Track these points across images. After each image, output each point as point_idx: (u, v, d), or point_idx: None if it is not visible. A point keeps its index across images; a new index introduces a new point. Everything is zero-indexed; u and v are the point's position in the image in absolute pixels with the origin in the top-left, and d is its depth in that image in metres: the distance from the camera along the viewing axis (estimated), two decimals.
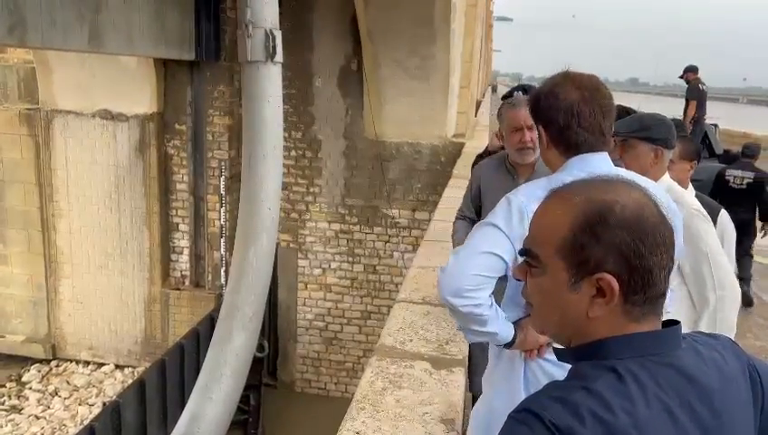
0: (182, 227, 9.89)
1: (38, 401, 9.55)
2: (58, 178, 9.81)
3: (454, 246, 2.86)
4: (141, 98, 9.38)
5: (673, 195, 2.15)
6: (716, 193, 6.63)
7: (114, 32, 6.87)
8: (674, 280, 2.29)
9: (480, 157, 3.99)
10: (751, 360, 1.00)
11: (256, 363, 7.73)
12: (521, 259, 1.03)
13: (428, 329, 2.72)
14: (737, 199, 6.51)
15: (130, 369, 10.14)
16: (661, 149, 2.40)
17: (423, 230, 7.51)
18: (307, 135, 9.75)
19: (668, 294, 0.96)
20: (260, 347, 7.99)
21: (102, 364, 10.26)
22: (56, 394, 9.70)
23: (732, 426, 0.91)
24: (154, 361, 8.45)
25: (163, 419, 7.80)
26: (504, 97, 2.95)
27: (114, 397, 8.11)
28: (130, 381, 8.80)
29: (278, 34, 5.05)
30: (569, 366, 0.96)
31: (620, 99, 2.80)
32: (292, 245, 10.05)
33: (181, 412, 5.43)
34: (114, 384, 9.87)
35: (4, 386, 9.85)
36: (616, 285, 0.89)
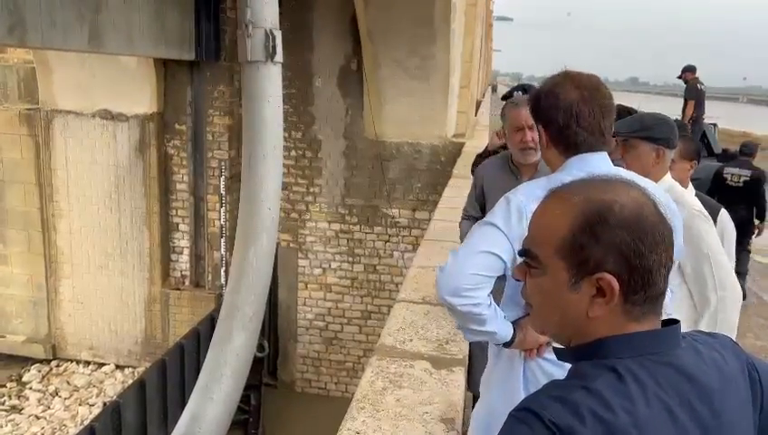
0: (182, 227, 9.89)
1: (38, 401, 9.55)
2: (58, 179, 9.81)
3: None
4: (141, 98, 9.38)
5: (674, 195, 2.14)
6: (714, 191, 6.71)
7: (114, 32, 6.87)
8: (674, 280, 2.29)
9: (480, 156, 3.99)
10: (750, 359, 1.00)
11: (257, 363, 7.73)
12: (520, 259, 1.03)
13: (428, 329, 2.72)
14: (735, 197, 6.58)
15: (131, 369, 10.14)
16: (663, 149, 2.39)
17: (423, 230, 7.51)
18: (307, 135, 9.75)
19: (669, 295, 0.97)
20: (260, 347, 7.99)
21: (103, 364, 10.26)
22: (56, 394, 9.70)
23: (731, 425, 0.91)
24: (154, 361, 8.45)
25: (163, 419, 7.80)
26: (504, 97, 2.95)
27: (114, 397, 8.11)
28: (131, 381, 8.80)
29: (278, 34, 5.05)
30: (568, 366, 0.96)
31: (620, 98, 2.80)
32: (292, 245, 10.05)
33: (181, 412, 5.44)
34: (114, 384, 9.87)
35: (4, 386, 9.85)
36: (616, 284, 0.89)
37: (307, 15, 9.31)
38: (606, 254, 0.89)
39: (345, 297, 10.06)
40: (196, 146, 9.60)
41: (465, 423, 2.61)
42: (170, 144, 9.66)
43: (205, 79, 9.36)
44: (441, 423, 1.99)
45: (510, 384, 1.72)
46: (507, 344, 1.70)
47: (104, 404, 8.37)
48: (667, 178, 2.46)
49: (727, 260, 2.45)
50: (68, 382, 9.95)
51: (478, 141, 9.05)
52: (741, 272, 6.48)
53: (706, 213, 2.44)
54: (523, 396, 1.29)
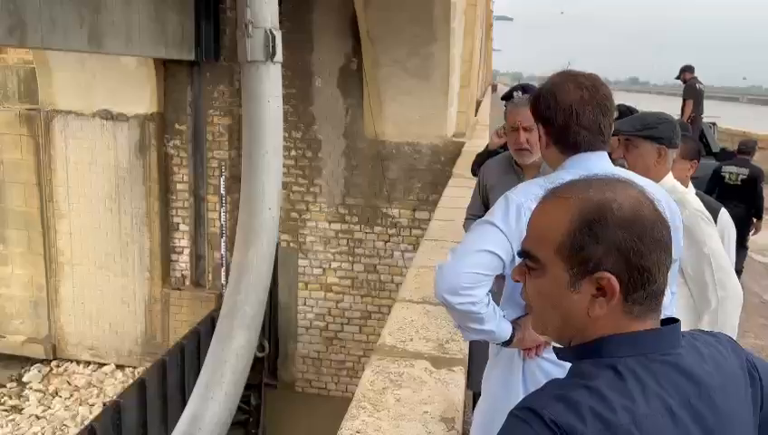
0: (182, 227, 9.90)
1: (39, 401, 9.56)
2: (58, 179, 9.81)
3: None
4: (141, 98, 9.39)
5: (676, 195, 2.14)
6: (713, 189, 6.74)
7: (114, 32, 6.88)
8: (675, 281, 2.29)
9: (480, 156, 3.99)
10: (750, 357, 1.00)
11: (257, 363, 7.74)
12: (519, 259, 1.03)
13: (428, 328, 2.73)
14: (733, 195, 6.61)
15: (131, 369, 10.15)
16: (665, 149, 2.39)
17: (423, 230, 7.51)
18: (307, 135, 9.75)
19: (669, 296, 0.97)
20: (260, 347, 7.99)
21: (103, 364, 10.27)
22: (57, 394, 9.71)
23: (731, 424, 0.91)
24: (155, 361, 8.45)
25: (164, 419, 7.80)
26: (504, 97, 2.95)
27: (115, 397, 8.11)
28: (131, 381, 8.80)
29: (278, 34, 5.06)
30: (567, 365, 0.96)
31: (620, 98, 2.80)
32: (292, 245, 10.05)
33: (182, 412, 5.45)
34: (115, 384, 9.88)
35: (4, 386, 9.86)
36: (616, 283, 0.89)
37: (307, 15, 9.31)
38: (606, 253, 0.89)
39: (345, 297, 10.06)
40: (196, 146, 9.61)
41: (466, 422, 2.62)
42: (170, 144, 9.67)
43: (205, 79, 9.37)
44: (441, 423, 1.99)
45: (509, 383, 1.73)
46: (506, 344, 1.70)
47: (104, 404, 8.37)
48: (669, 177, 2.45)
49: (728, 261, 2.44)
50: (68, 382, 9.96)
51: (478, 141, 9.05)
52: (738, 270, 6.51)
53: (708, 214, 2.44)
54: (522, 395, 1.29)
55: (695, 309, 2.43)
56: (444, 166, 9.19)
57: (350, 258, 9.96)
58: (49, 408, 9.42)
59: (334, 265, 10.02)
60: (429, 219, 5.86)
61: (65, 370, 10.24)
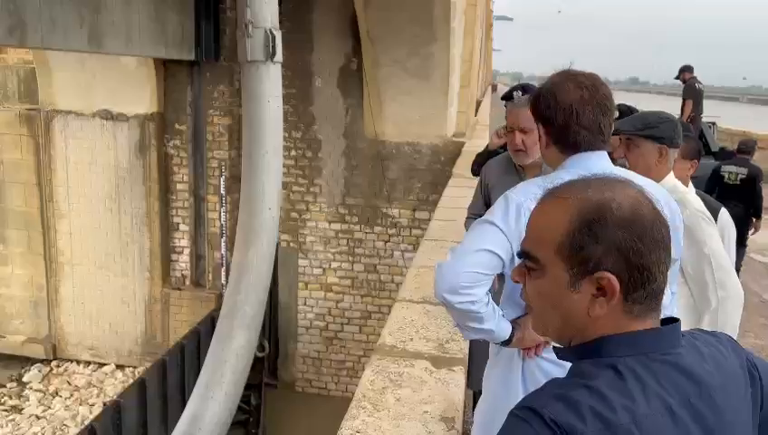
0: (182, 227, 9.90)
1: (39, 401, 9.56)
2: (58, 179, 9.81)
3: None
4: (141, 98, 9.39)
5: (677, 195, 2.14)
6: (712, 189, 6.76)
7: (114, 32, 6.88)
8: (675, 281, 2.29)
9: (480, 156, 3.99)
10: (750, 357, 1.00)
11: (257, 363, 7.74)
12: (518, 260, 1.03)
13: (428, 328, 2.73)
14: (732, 195, 6.62)
15: (131, 369, 10.15)
16: (666, 148, 2.38)
17: (423, 230, 7.51)
18: (307, 135, 9.75)
19: (669, 295, 0.97)
20: (260, 347, 7.99)
21: (103, 364, 10.27)
22: (57, 394, 9.71)
23: (731, 423, 0.91)
24: (155, 361, 8.46)
25: (164, 419, 7.80)
26: (504, 97, 2.95)
27: (115, 397, 8.11)
28: (131, 381, 8.80)
29: (278, 34, 5.06)
30: (567, 365, 0.96)
31: (620, 98, 2.80)
32: (292, 245, 10.05)
33: (182, 412, 5.45)
34: (115, 384, 9.88)
35: (4, 386, 9.86)
36: (617, 283, 0.89)
37: (307, 15, 9.31)
38: (605, 253, 0.89)
39: (345, 297, 10.06)
40: (196, 146, 9.61)
41: (467, 422, 2.62)
42: (170, 144, 9.67)
43: (205, 79, 9.37)
44: (441, 422, 1.99)
45: (509, 383, 1.73)
46: (506, 343, 1.70)
47: (104, 404, 8.37)
48: (670, 177, 2.45)
49: (729, 261, 2.44)
50: (68, 382, 9.96)
51: (478, 141, 9.05)
52: (736, 268, 6.52)
53: (709, 214, 2.44)
54: (522, 395, 1.29)
55: (695, 309, 2.43)
56: (444, 166, 9.19)
57: (350, 258, 9.96)
58: (49, 408, 9.42)
59: (334, 265, 10.02)
60: (429, 219, 5.86)
61: (65, 370, 10.24)
